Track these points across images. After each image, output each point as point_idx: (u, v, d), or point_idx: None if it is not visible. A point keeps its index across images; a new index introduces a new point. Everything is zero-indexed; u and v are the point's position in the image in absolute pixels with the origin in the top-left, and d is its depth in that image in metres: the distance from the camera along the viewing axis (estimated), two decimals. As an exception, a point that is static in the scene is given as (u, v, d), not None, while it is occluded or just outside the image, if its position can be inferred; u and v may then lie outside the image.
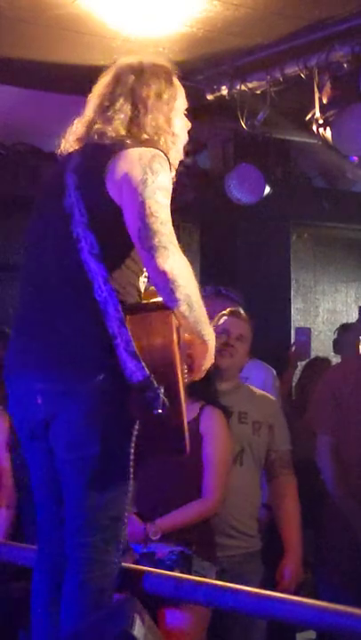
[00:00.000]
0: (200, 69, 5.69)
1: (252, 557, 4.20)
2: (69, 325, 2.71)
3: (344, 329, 6.78)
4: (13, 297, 6.98)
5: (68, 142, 2.96)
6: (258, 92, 5.74)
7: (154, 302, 2.75)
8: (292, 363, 6.41)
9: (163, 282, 2.62)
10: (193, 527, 3.85)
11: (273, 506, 4.39)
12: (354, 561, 4.32)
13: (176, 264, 2.63)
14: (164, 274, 2.61)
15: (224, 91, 5.79)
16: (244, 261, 7.09)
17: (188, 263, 2.69)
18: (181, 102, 2.98)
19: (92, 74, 5.96)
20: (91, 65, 5.66)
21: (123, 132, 2.83)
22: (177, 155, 2.93)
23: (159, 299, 2.71)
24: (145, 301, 2.80)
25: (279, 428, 4.32)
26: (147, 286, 2.82)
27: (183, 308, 2.65)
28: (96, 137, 2.84)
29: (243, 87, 5.74)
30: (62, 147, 2.97)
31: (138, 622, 2.56)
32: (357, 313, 7.65)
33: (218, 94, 5.78)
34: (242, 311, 4.36)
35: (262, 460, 4.26)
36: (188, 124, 3.01)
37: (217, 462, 3.91)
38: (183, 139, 2.98)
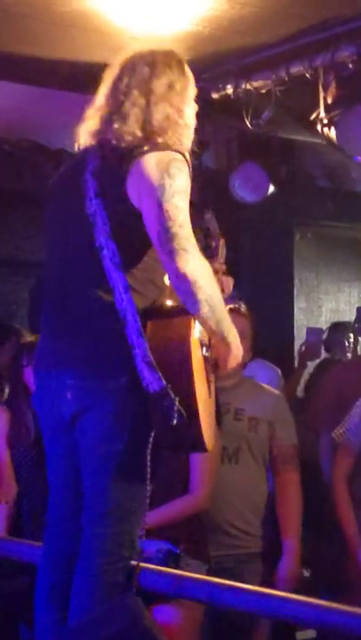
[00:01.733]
0: (205, 68, 5.69)
1: (251, 558, 4.16)
2: (96, 328, 2.77)
3: (334, 328, 6.78)
4: (18, 292, 6.99)
5: (83, 134, 2.97)
6: (263, 91, 5.74)
7: (176, 306, 2.78)
8: (302, 362, 6.40)
9: (183, 284, 2.66)
10: (182, 524, 3.83)
11: (276, 503, 4.36)
12: (352, 561, 4.32)
13: (196, 266, 2.66)
14: (184, 276, 2.64)
15: (229, 89, 5.79)
16: (247, 260, 7.09)
17: (208, 265, 2.72)
18: (192, 90, 2.99)
19: (97, 71, 5.95)
20: (96, 62, 5.64)
21: (139, 134, 2.83)
22: (187, 145, 2.94)
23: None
24: (168, 305, 2.82)
25: (281, 424, 4.26)
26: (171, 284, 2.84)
27: (205, 309, 2.68)
28: (114, 139, 2.84)
29: (248, 86, 5.74)
30: (78, 141, 2.98)
31: (139, 619, 2.56)
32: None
33: (223, 93, 5.78)
34: (242, 307, 4.35)
35: (265, 456, 4.22)
36: (196, 107, 3.01)
37: (203, 458, 3.84)
38: (193, 127, 2.99)
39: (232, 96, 5.80)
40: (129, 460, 2.76)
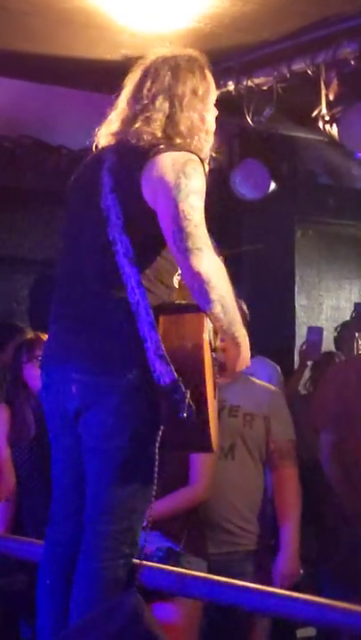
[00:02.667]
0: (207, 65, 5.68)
1: (247, 556, 4.15)
2: (105, 324, 2.77)
3: (344, 326, 6.78)
4: (18, 290, 6.98)
5: (104, 135, 2.98)
6: (264, 88, 5.74)
7: (188, 304, 2.79)
8: (303, 361, 6.40)
9: (197, 283, 2.67)
10: (181, 520, 3.83)
11: (274, 499, 4.34)
12: (355, 559, 4.32)
13: (210, 266, 2.68)
14: (198, 275, 2.66)
15: (230, 86, 5.78)
16: (248, 258, 7.09)
17: (221, 265, 2.73)
18: (214, 96, 3.01)
19: (98, 68, 5.99)
20: (97, 59, 5.67)
21: (159, 134, 2.85)
22: (207, 151, 2.97)
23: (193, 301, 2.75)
24: (179, 302, 2.84)
25: (277, 419, 4.25)
26: (180, 282, 2.86)
27: (217, 309, 2.69)
28: (134, 139, 2.85)
29: (249, 83, 5.74)
30: (98, 141, 2.99)
31: (139, 617, 2.56)
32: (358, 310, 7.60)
33: (224, 90, 5.78)
34: (240, 305, 4.33)
35: (261, 452, 4.21)
36: (216, 112, 3.03)
37: None
38: (213, 129, 3.01)
39: (233, 93, 5.80)
40: (132, 457, 2.76)
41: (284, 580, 4.05)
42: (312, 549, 4.89)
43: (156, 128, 2.86)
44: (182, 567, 3.42)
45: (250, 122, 5.80)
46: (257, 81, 5.72)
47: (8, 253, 6.99)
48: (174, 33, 5.21)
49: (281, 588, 3.91)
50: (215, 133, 3.07)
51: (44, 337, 4.56)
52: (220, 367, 2.85)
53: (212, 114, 2.99)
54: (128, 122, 2.92)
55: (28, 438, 4.56)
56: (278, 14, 5.04)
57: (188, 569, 3.53)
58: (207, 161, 2.91)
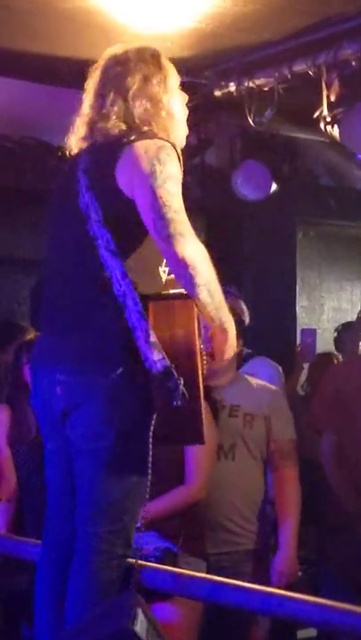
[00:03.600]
0: (208, 65, 5.68)
1: (246, 557, 4.14)
2: (91, 323, 2.77)
3: (345, 327, 6.78)
4: (19, 290, 6.99)
5: (74, 142, 3.00)
6: (266, 88, 5.73)
7: (175, 292, 2.78)
8: (299, 363, 6.40)
9: (182, 269, 2.66)
10: (179, 520, 3.82)
11: (274, 499, 4.34)
12: (355, 559, 4.32)
13: (194, 251, 2.67)
14: (182, 260, 2.65)
15: (232, 87, 5.78)
16: (249, 259, 7.09)
17: (204, 250, 2.72)
18: (174, 81, 2.99)
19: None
20: (98, 59, 5.67)
21: (122, 126, 2.86)
22: (176, 135, 2.94)
23: (180, 290, 2.74)
24: (166, 292, 2.82)
25: (278, 419, 4.23)
26: (167, 277, 2.85)
27: (203, 294, 2.68)
28: (100, 136, 2.88)
29: (250, 84, 5.73)
30: (69, 147, 3.01)
31: (140, 617, 2.56)
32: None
33: (225, 91, 5.78)
34: (238, 305, 4.33)
35: (262, 452, 4.20)
36: (185, 97, 3.02)
37: (198, 449, 3.79)
38: (181, 116, 2.99)
39: (235, 94, 5.79)
40: (120, 456, 2.74)
41: (282, 579, 4.05)
42: (312, 550, 4.90)
43: (116, 121, 2.86)
44: (180, 567, 3.41)
45: (251, 123, 5.79)
46: (258, 82, 5.71)
47: (9, 254, 7.00)
48: (175, 33, 5.21)
49: (278, 587, 3.92)
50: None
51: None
52: (209, 356, 2.81)
53: (174, 98, 2.96)
54: (92, 123, 2.93)
55: (29, 438, 4.55)
56: (280, 15, 5.03)
57: (187, 569, 3.52)
58: (180, 145, 2.90)
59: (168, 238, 2.65)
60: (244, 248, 7.12)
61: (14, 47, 5.49)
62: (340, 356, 6.43)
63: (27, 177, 6.58)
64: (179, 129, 2.97)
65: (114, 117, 2.87)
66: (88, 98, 2.98)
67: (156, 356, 2.62)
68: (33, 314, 6.91)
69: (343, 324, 6.89)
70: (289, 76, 5.54)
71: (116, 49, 3.02)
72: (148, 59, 2.96)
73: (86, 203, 2.79)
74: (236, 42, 5.41)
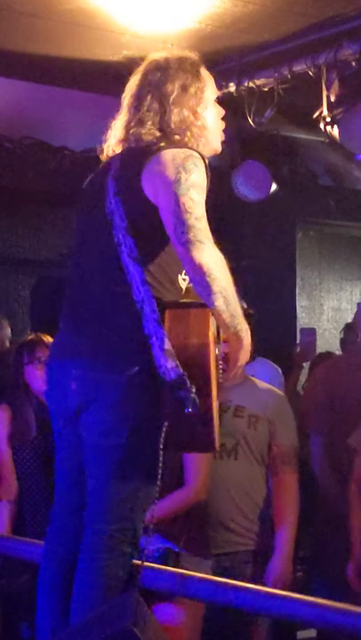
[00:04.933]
0: (208, 66, 5.65)
1: (247, 557, 4.15)
2: (109, 323, 2.80)
3: (349, 328, 6.78)
4: (19, 291, 6.99)
5: (111, 146, 3.03)
6: (265, 89, 5.73)
7: (192, 301, 2.80)
8: (298, 363, 6.40)
9: (199, 275, 2.69)
10: (181, 520, 3.83)
11: (273, 502, 4.35)
12: (345, 560, 4.31)
13: (212, 258, 2.70)
14: (200, 267, 2.68)
15: (232, 87, 5.78)
16: (249, 259, 7.09)
17: (222, 258, 2.75)
18: (211, 93, 3.04)
19: (100, 69, 5.98)
20: (99, 60, 5.67)
21: (157, 133, 2.90)
22: (209, 146, 3.00)
23: (198, 299, 2.76)
24: (184, 300, 2.85)
25: (282, 423, 4.26)
26: (187, 285, 2.88)
27: (219, 301, 2.71)
28: (133, 140, 2.92)
29: (250, 84, 5.73)
30: (106, 151, 3.05)
31: (140, 618, 2.56)
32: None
33: (225, 91, 5.77)
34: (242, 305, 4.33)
35: (263, 455, 4.22)
36: (222, 111, 3.07)
37: None
38: (216, 128, 3.05)
39: (235, 94, 5.79)
40: (131, 455, 2.76)
41: (277, 584, 4.05)
42: (310, 551, 4.90)
43: (150, 127, 2.91)
44: (182, 567, 3.42)
45: (251, 123, 5.79)
46: (258, 82, 5.71)
47: (9, 254, 7.00)
48: (176, 34, 5.21)
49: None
50: (224, 131, 3.09)
51: (46, 338, 4.59)
52: (223, 361, 2.85)
53: (209, 110, 3.01)
54: (126, 127, 2.97)
55: (29, 439, 4.56)
56: (279, 15, 5.03)
57: (188, 569, 3.52)
58: (209, 156, 2.93)
59: (187, 244, 2.68)
60: (243, 248, 7.12)
61: (15, 48, 5.49)
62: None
63: (27, 177, 6.57)
64: (212, 140, 3.02)
65: (149, 123, 2.91)
66: (127, 100, 3.02)
67: (170, 364, 2.64)
68: (33, 314, 6.93)
69: (347, 325, 6.90)
70: (289, 77, 5.54)
71: (157, 55, 3.04)
72: (188, 68, 2.99)
73: (113, 209, 2.83)
74: (236, 42, 5.41)
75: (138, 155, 2.85)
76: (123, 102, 3.03)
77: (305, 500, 4.39)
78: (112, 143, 3.02)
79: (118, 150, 3.00)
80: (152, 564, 2.92)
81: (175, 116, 2.91)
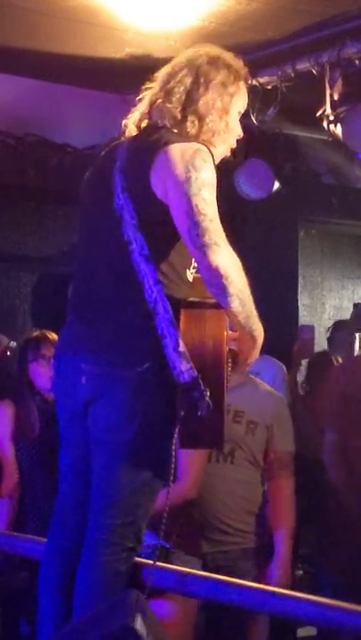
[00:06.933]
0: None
1: (245, 554, 4.16)
2: (120, 319, 2.77)
3: (337, 326, 6.77)
4: (20, 288, 6.99)
5: (131, 124, 2.96)
6: (269, 87, 5.73)
7: (206, 301, 2.79)
8: (297, 360, 6.40)
9: (215, 278, 2.67)
10: (171, 519, 3.82)
11: (268, 507, 4.35)
12: (354, 559, 4.32)
13: (228, 260, 2.68)
14: (216, 270, 2.66)
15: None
16: (251, 257, 7.07)
17: (237, 259, 2.73)
18: (241, 105, 2.97)
19: (103, 66, 5.98)
20: (102, 57, 5.67)
21: (178, 115, 2.84)
22: (224, 146, 2.95)
23: (211, 298, 2.75)
24: (198, 299, 2.82)
25: (280, 429, 4.26)
26: (194, 276, 2.86)
27: (235, 303, 2.70)
28: (156, 115, 2.85)
29: (253, 82, 5.72)
30: (125, 128, 2.97)
31: (140, 615, 2.56)
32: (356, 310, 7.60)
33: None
34: None
35: (259, 459, 4.21)
36: (240, 132, 3.00)
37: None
38: (234, 135, 2.98)
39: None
40: (138, 451, 2.75)
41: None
42: (313, 549, 4.90)
43: (175, 103, 2.84)
44: (173, 565, 3.42)
45: (254, 121, 5.79)
46: (261, 80, 5.70)
47: (11, 251, 7.00)
48: (179, 31, 5.20)
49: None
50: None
51: (50, 335, 4.58)
52: (233, 359, 2.85)
53: (236, 116, 2.95)
54: (155, 98, 2.90)
55: (33, 436, 4.57)
56: (283, 13, 5.03)
57: (180, 567, 3.53)
58: (220, 156, 2.91)
59: (203, 247, 2.66)
60: (245, 246, 7.12)
61: (18, 45, 5.49)
62: (336, 355, 6.43)
63: (29, 174, 6.57)
64: (227, 143, 2.96)
65: (176, 97, 2.85)
66: (161, 75, 2.94)
67: (184, 366, 2.64)
68: (34, 311, 6.93)
69: (336, 323, 6.88)
70: (292, 75, 5.54)
71: (211, 47, 2.99)
72: (233, 71, 2.93)
73: (121, 204, 2.79)
74: (240, 40, 5.39)
75: (146, 150, 2.79)
76: (157, 78, 2.95)
77: (311, 499, 4.39)
78: (135, 119, 2.94)
79: (134, 132, 2.94)
80: (150, 562, 2.91)
81: (207, 100, 2.85)
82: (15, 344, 5.79)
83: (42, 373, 4.52)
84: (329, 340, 6.76)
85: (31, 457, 4.59)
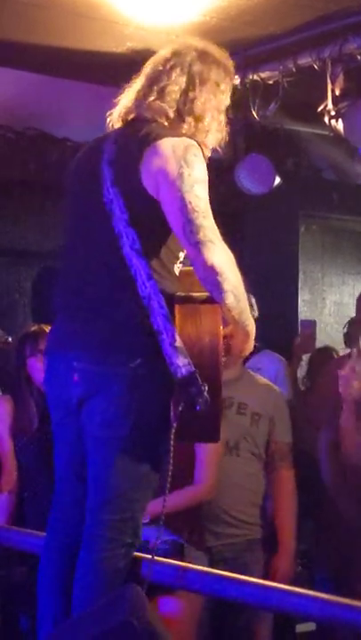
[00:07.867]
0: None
1: (251, 545, 4.21)
2: (112, 316, 2.77)
3: (352, 322, 6.76)
4: (20, 282, 6.98)
5: (115, 117, 2.95)
6: (270, 82, 5.72)
7: (201, 295, 2.79)
8: (297, 355, 6.39)
9: (211, 275, 2.68)
10: (183, 515, 3.84)
11: (271, 498, 4.38)
12: (346, 556, 4.31)
13: (223, 257, 2.70)
14: (211, 267, 2.67)
15: (236, 80, 5.76)
16: (252, 252, 7.08)
17: (231, 255, 2.74)
18: (228, 99, 3.01)
19: (103, 60, 5.96)
20: (102, 51, 5.66)
21: (171, 114, 2.84)
22: (215, 142, 2.96)
23: (204, 292, 2.76)
24: (186, 294, 2.82)
25: (280, 421, 4.32)
26: (181, 269, 2.86)
27: (230, 299, 2.71)
28: (145, 109, 2.84)
29: (255, 77, 5.72)
30: (109, 121, 2.97)
31: (140, 610, 2.56)
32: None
33: (230, 84, 5.76)
34: (249, 299, 4.34)
35: (262, 451, 4.26)
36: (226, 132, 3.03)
37: (209, 449, 3.90)
38: (224, 131, 3.00)
39: (239, 87, 5.77)
40: (133, 447, 2.75)
41: (282, 581, 4.06)
42: (311, 545, 4.90)
43: (170, 102, 2.85)
44: (187, 561, 3.44)
45: (255, 116, 5.78)
46: (263, 75, 5.70)
47: (11, 245, 6.98)
48: (180, 26, 5.19)
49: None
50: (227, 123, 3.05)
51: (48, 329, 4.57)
52: (225, 352, 2.84)
53: (224, 113, 2.98)
54: (143, 94, 2.89)
55: (31, 431, 4.56)
56: (285, 8, 5.02)
57: (192, 562, 3.54)
58: (209, 150, 2.90)
59: (198, 245, 2.67)
60: (246, 242, 7.11)
61: (18, 39, 5.48)
62: (340, 351, 6.42)
63: (29, 168, 6.56)
64: (217, 139, 2.97)
65: (171, 96, 2.84)
66: (146, 71, 2.93)
67: (182, 362, 2.64)
68: (35, 306, 6.92)
69: (351, 320, 6.87)
70: (294, 70, 5.54)
71: (195, 40, 3.00)
72: (221, 66, 2.95)
73: (111, 198, 2.77)
74: (241, 35, 5.39)
75: (135, 144, 2.77)
76: (142, 74, 2.94)
77: (307, 494, 4.41)
78: (120, 112, 2.93)
79: (118, 125, 2.92)
80: (154, 557, 2.91)
81: (200, 98, 2.86)
82: (11, 339, 5.79)
83: (40, 368, 4.50)
84: (345, 336, 6.75)
85: (30, 451, 4.59)
